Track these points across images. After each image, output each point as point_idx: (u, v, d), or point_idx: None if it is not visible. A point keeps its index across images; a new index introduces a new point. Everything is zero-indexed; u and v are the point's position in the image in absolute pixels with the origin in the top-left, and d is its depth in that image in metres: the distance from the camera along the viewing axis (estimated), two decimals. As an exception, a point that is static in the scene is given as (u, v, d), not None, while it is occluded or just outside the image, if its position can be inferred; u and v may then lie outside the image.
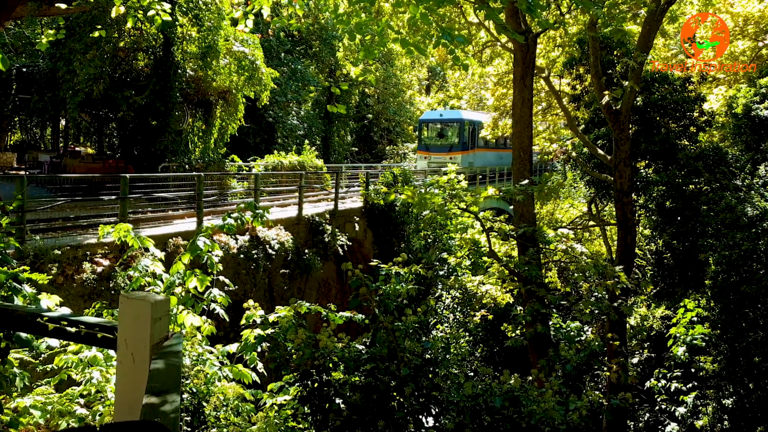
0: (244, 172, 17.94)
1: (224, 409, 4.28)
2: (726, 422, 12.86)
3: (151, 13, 6.22)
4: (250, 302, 5.28)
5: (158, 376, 1.94)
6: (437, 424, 5.09)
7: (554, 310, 12.72)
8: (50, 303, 3.69)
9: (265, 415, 4.72)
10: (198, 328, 4.39)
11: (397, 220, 17.90)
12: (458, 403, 4.97)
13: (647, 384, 13.69)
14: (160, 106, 16.46)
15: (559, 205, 24.47)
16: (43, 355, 3.81)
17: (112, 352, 3.63)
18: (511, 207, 13.77)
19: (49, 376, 4.10)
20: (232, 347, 4.74)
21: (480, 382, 5.77)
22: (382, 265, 5.98)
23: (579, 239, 19.33)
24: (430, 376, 5.14)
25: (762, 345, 12.22)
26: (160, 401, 1.69)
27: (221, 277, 4.87)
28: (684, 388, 13.02)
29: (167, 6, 6.41)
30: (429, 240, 15.65)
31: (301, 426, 4.82)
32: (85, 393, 3.83)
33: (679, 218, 15.13)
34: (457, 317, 18.45)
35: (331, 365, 5.01)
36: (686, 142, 16.12)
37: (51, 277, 7.88)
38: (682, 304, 13.21)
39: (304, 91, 34.36)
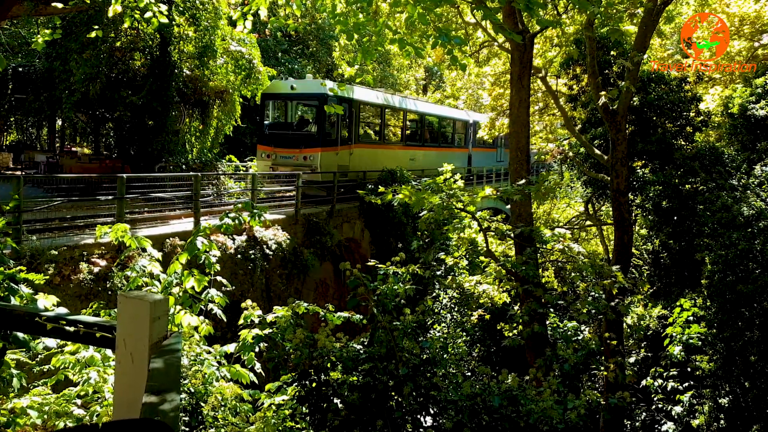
0: (241, 172, 17.90)
1: (222, 409, 4.28)
2: (722, 421, 12.91)
3: (148, 14, 6.20)
4: (248, 302, 5.27)
5: (157, 376, 1.94)
6: (436, 424, 5.09)
7: (551, 310, 12.73)
8: (47, 303, 3.68)
9: (263, 415, 4.71)
10: (196, 329, 4.39)
11: (394, 220, 17.89)
12: (456, 403, 4.98)
13: (644, 383, 13.72)
14: (157, 106, 16.42)
15: (556, 205, 24.52)
16: (40, 356, 3.80)
17: (109, 352, 3.63)
18: (508, 207, 13.78)
19: (46, 376, 4.08)
20: (230, 347, 4.73)
21: (478, 381, 5.77)
22: (379, 265, 5.97)
23: (576, 239, 19.37)
24: (428, 375, 5.15)
25: (758, 344, 12.26)
26: (160, 400, 1.69)
27: (219, 278, 4.87)
28: (680, 387, 13.06)
29: (164, 7, 6.39)
30: (426, 240, 15.65)
31: (299, 426, 4.81)
32: (82, 393, 3.81)
33: (675, 218, 15.17)
34: (455, 317, 18.45)
35: (329, 365, 5.01)
36: (682, 142, 16.17)
37: (48, 277, 7.84)
38: (678, 303, 13.26)
39: (301, 91, 34.25)
